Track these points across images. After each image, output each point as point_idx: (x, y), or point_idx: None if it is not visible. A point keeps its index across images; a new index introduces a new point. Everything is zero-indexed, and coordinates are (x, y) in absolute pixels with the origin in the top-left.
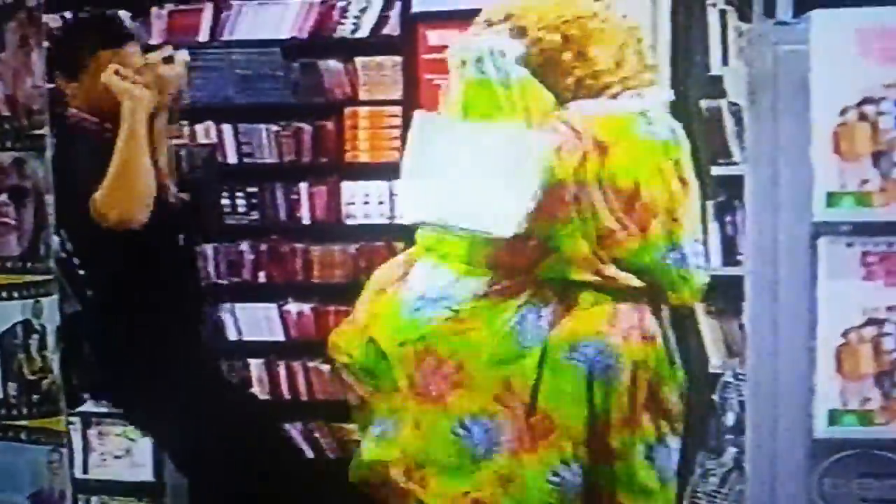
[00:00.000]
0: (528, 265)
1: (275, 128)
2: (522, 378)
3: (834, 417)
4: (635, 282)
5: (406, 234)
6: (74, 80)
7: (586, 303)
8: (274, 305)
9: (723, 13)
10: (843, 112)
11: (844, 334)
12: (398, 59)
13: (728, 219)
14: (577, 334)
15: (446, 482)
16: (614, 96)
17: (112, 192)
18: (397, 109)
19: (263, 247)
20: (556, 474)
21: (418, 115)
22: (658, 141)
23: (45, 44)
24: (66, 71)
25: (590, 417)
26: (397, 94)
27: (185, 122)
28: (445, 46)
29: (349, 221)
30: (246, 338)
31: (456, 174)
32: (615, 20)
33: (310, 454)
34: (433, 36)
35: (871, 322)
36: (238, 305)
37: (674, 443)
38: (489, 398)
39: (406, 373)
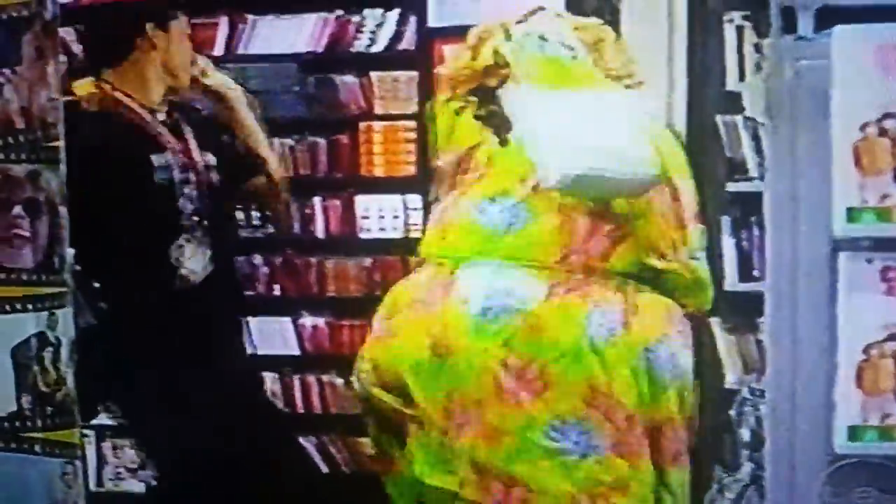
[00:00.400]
0: (600, 255)
1: (290, 141)
2: (603, 377)
3: (854, 433)
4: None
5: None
6: (119, 63)
7: (646, 300)
8: (288, 319)
9: (739, 29)
10: (864, 127)
11: (865, 350)
12: (414, 73)
13: (744, 234)
14: (648, 336)
15: (543, 483)
16: None
17: None
18: (412, 124)
19: (278, 260)
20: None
21: (506, 92)
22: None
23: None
24: (110, 55)
25: (665, 420)
26: (412, 108)
27: None
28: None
29: (363, 235)
30: (260, 351)
31: (581, 130)
32: (622, 39)
33: (324, 468)
34: (449, 51)
35: (891, 337)
36: (252, 319)
37: None
38: (578, 400)
39: (489, 380)
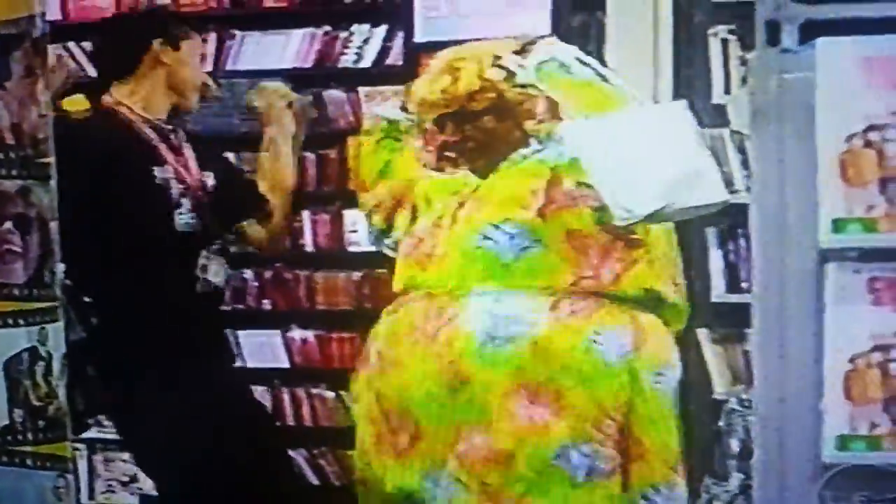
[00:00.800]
0: (611, 280)
1: None
2: (614, 398)
3: (842, 443)
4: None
5: None
6: (125, 77)
7: (651, 323)
8: (278, 332)
9: (724, 42)
10: (849, 139)
11: (852, 360)
12: (401, 88)
13: (731, 246)
14: (656, 360)
15: None
16: None
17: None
18: None
19: (267, 274)
20: (646, 498)
21: (566, 128)
22: None
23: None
24: (117, 68)
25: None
26: None
27: None
28: None
29: (352, 249)
30: (250, 364)
31: (646, 161)
32: None
33: (315, 481)
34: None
35: (878, 348)
36: (242, 332)
37: None
38: (588, 422)
39: (502, 404)
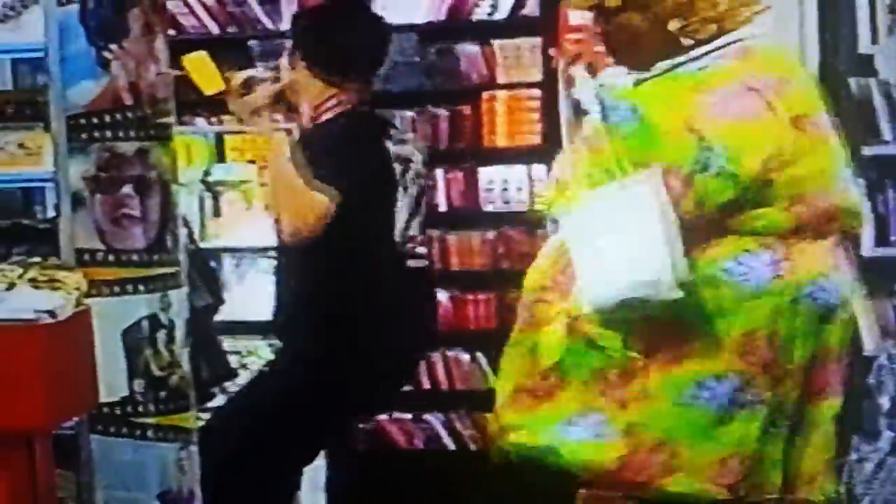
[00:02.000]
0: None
1: (410, 113)
2: (757, 326)
3: None
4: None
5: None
6: None
7: (797, 243)
8: None
9: None
10: None
11: None
12: (537, 40)
13: (880, 198)
14: (804, 276)
15: (695, 450)
16: (725, 32)
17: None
18: (536, 92)
19: None
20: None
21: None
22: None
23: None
24: None
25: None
26: (536, 76)
27: None
28: (587, 27)
29: (487, 208)
30: None
31: (603, 248)
32: None
33: (451, 446)
34: (574, 16)
35: None
36: None
37: None
38: (732, 354)
39: (638, 344)
